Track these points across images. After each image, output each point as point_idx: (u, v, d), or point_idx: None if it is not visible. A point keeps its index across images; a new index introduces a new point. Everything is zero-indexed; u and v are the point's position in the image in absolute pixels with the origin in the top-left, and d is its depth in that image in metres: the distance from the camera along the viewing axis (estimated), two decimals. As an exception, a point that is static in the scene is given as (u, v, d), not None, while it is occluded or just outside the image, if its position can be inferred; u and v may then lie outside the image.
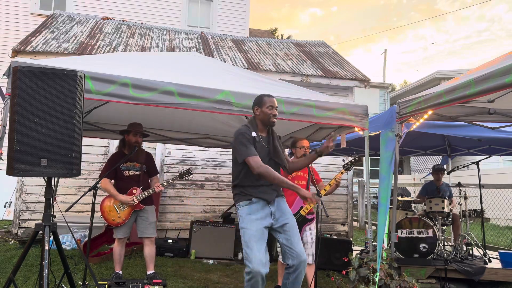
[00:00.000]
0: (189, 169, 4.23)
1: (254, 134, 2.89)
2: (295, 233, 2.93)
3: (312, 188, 3.97)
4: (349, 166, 3.87)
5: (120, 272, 4.01)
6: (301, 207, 3.87)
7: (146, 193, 3.99)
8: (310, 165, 3.85)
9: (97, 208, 3.87)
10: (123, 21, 9.58)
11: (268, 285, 4.32)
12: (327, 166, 7.44)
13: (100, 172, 4.15)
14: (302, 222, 3.86)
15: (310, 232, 3.87)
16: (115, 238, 4.00)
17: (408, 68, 78.74)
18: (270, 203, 2.92)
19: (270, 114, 2.92)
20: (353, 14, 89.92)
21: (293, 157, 4.08)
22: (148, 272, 4.01)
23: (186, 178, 4.36)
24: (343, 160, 7.48)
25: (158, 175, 4.32)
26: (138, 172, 4.10)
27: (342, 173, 3.84)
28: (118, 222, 3.92)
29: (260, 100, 2.97)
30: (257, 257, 2.69)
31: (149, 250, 4.04)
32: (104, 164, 4.34)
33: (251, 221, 2.82)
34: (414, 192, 9.07)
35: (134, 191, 3.99)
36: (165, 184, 4.13)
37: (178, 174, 4.26)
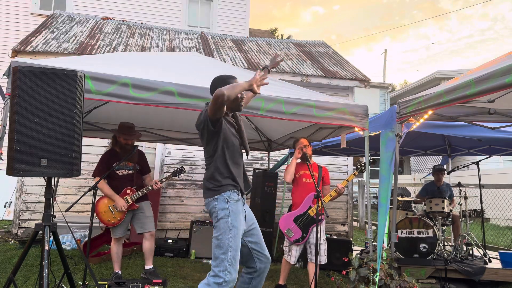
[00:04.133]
0: (182, 166, 4.17)
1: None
2: (261, 236, 2.76)
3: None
4: (363, 168, 3.86)
5: (119, 272, 4.01)
6: (310, 207, 3.85)
7: (140, 193, 4.00)
8: (310, 164, 3.87)
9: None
10: (123, 21, 9.58)
11: (268, 285, 4.32)
12: (327, 166, 7.41)
13: (93, 170, 4.10)
14: (309, 222, 3.85)
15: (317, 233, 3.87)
16: (112, 238, 4.01)
17: (411, 67, 78.88)
18: (244, 203, 2.68)
19: (240, 98, 2.62)
20: (355, 12, 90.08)
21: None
22: (147, 267, 4.00)
23: (179, 176, 4.30)
24: (358, 161, 7.47)
25: (150, 173, 4.28)
26: (131, 171, 4.09)
27: (347, 181, 3.89)
28: (113, 222, 3.94)
29: (229, 83, 2.59)
30: (237, 267, 2.49)
31: (149, 244, 4.02)
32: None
33: (240, 221, 2.54)
34: (414, 192, 9.07)
35: (128, 191, 3.99)
36: (163, 180, 4.10)
37: (171, 172, 4.23)
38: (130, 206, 3.97)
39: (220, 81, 2.65)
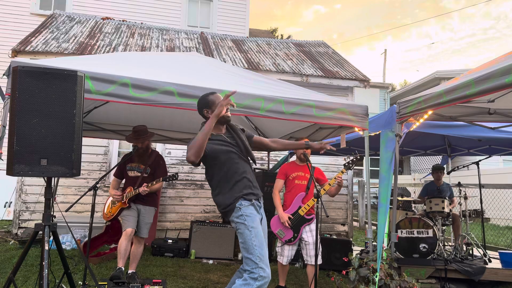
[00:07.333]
0: (176, 173, 4.15)
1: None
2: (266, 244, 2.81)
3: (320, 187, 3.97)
4: (350, 165, 3.85)
5: (123, 268, 3.95)
6: (300, 207, 3.86)
7: (129, 194, 4.03)
8: (310, 163, 3.87)
9: (97, 208, 3.88)
10: (123, 21, 9.58)
11: (268, 285, 4.32)
12: (327, 166, 7.44)
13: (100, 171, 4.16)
14: (300, 222, 3.85)
15: (311, 232, 3.86)
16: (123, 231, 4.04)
17: (412, 66, 78.78)
18: (261, 207, 2.83)
19: (221, 114, 2.63)
20: (356, 11, 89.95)
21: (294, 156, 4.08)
22: (129, 271, 4.00)
23: (171, 181, 4.28)
24: (344, 159, 7.48)
25: (161, 178, 4.08)
26: (140, 174, 4.14)
27: (342, 172, 3.82)
28: (108, 216, 4.17)
29: (207, 102, 2.74)
30: (268, 263, 2.63)
31: (135, 249, 4.09)
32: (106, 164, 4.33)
33: (258, 223, 2.69)
34: (414, 192, 9.07)
35: (128, 189, 4.08)
36: (149, 185, 4.02)
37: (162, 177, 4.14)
38: (122, 203, 4.06)
39: (201, 103, 2.79)
